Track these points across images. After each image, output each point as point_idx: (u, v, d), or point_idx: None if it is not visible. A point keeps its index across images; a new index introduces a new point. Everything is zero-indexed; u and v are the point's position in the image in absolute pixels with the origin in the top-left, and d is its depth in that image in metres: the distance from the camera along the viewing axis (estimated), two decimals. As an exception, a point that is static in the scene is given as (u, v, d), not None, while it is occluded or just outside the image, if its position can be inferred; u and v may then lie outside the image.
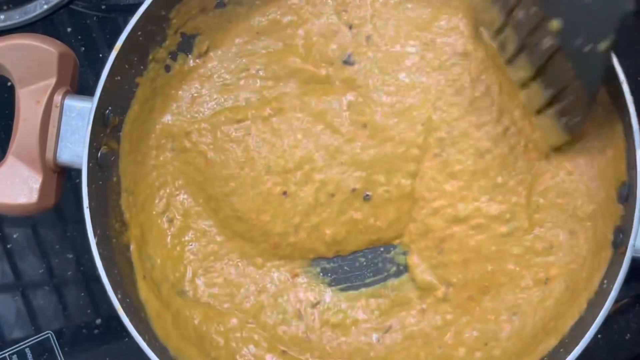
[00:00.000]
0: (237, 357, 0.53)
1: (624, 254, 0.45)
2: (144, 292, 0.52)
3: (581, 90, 0.45)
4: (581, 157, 0.52)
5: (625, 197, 0.47)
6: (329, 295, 0.55)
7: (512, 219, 0.52)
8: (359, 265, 0.56)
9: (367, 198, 0.54)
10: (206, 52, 0.56)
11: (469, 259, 0.53)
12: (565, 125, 0.49)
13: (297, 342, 0.54)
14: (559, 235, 0.52)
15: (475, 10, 0.52)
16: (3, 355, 0.60)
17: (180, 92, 0.56)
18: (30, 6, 0.61)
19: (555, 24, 0.44)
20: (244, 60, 0.56)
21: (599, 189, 0.51)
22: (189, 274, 0.55)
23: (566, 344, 0.47)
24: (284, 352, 0.54)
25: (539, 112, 0.50)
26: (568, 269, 0.51)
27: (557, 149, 0.52)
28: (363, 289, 0.56)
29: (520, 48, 0.48)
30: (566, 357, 0.45)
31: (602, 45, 0.43)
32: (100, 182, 0.51)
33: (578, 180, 0.52)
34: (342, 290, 0.56)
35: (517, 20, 0.47)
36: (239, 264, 0.56)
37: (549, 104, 0.49)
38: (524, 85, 0.50)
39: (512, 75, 0.50)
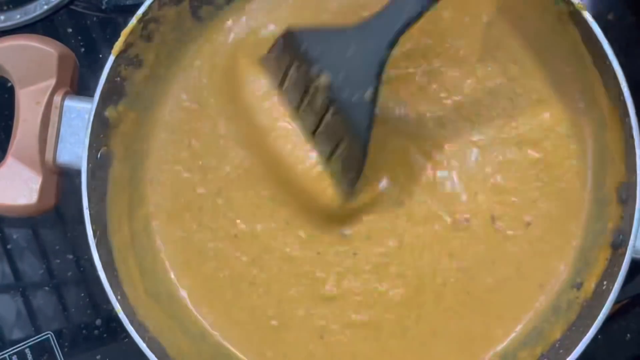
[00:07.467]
0: None
1: (623, 254, 0.45)
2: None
3: (354, 142, 0.47)
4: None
5: (624, 198, 0.47)
6: None
7: None
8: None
9: None
10: None
11: None
12: (347, 183, 0.49)
13: None
14: None
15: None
16: (3, 356, 0.60)
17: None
18: (30, 6, 0.61)
19: (323, 78, 0.46)
20: None
21: None
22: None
23: (566, 344, 0.47)
24: None
25: (326, 165, 0.50)
26: None
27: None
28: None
29: (300, 103, 0.49)
30: (566, 357, 0.45)
31: (368, 94, 0.45)
32: (100, 183, 0.51)
33: None
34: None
35: (292, 78, 0.48)
36: None
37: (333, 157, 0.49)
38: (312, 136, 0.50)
39: (300, 127, 0.50)
